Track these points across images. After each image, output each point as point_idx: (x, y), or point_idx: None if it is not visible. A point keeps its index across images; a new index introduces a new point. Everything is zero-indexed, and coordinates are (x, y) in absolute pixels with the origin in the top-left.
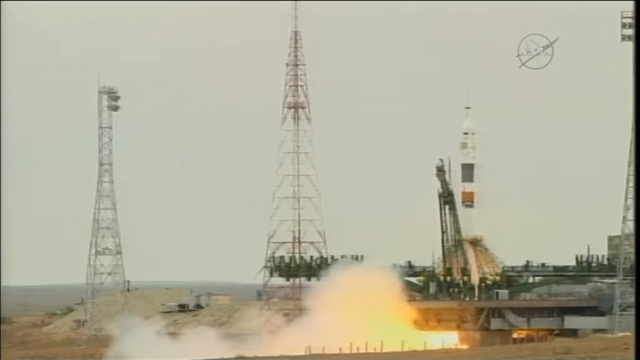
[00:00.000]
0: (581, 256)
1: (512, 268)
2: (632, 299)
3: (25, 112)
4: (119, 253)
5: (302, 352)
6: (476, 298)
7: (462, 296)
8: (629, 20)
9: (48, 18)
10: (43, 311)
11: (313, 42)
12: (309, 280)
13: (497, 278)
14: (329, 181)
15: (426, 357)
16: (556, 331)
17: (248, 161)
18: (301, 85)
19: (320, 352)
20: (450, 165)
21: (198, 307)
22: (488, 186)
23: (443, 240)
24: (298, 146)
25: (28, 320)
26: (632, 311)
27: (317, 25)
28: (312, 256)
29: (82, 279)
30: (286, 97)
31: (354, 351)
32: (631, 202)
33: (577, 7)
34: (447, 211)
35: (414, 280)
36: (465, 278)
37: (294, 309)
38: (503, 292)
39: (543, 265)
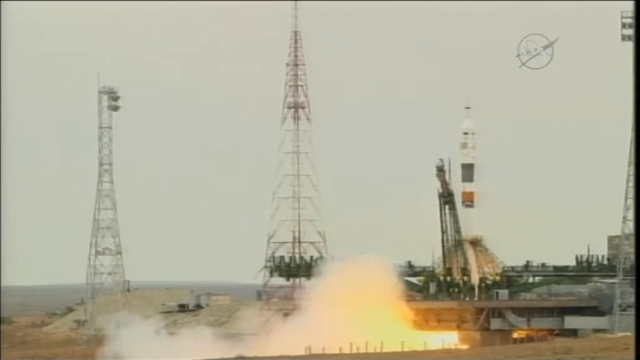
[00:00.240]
0: (581, 256)
1: (512, 268)
2: (632, 299)
3: (25, 112)
4: (119, 253)
5: (302, 352)
6: (476, 298)
7: (462, 296)
8: (629, 20)
9: (48, 18)
10: (43, 311)
11: (313, 42)
12: (309, 280)
13: (497, 278)
14: (329, 181)
15: (426, 357)
16: (556, 331)
17: (248, 161)
18: (301, 85)
19: (320, 352)
20: (450, 165)
21: (198, 307)
22: (488, 186)
23: (443, 240)
24: (298, 146)
25: (28, 320)
26: (632, 311)
27: (317, 25)
28: (312, 256)
29: (82, 279)
30: (286, 97)
31: (354, 351)
32: (631, 202)
33: (577, 7)
34: (447, 211)
35: (414, 280)
36: (465, 278)
37: (293, 309)
38: (503, 292)
39: (543, 265)
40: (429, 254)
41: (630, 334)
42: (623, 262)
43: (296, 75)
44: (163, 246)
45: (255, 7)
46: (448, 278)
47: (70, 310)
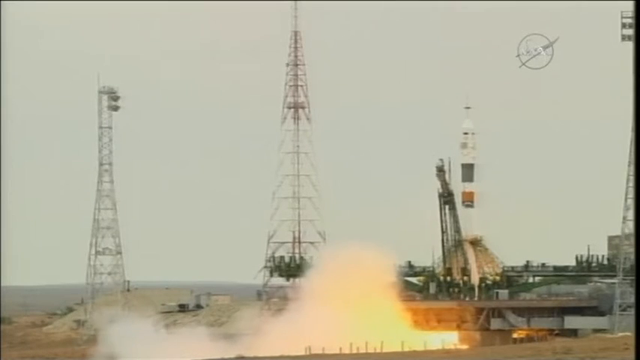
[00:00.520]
0: (581, 256)
1: (512, 268)
2: (632, 299)
3: (25, 112)
4: (119, 253)
5: (302, 352)
6: (476, 298)
7: (462, 296)
8: (629, 20)
9: (48, 18)
10: (43, 311)
11: (313, 42)
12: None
13: (497, 278)
14: (329, 181)
15: (426, 357)
16: (556, 331)
17: (248, 161)
18: (301, 85)
19: (320, 352)
20: (450, 165)
21: (198, 307)
22: (488, 186)
23: (443, 240)
24: (298, 146)
25: (28, 320)
26: (632, 311)
27: (317, 25)
28: (312, 256)
29: (82, 279)
30: (286, 97)
31: (354, 351)
32: (631, 202)
33: (577, 7)
34: (447, 211)
35: (414, 280)
36: (465, 278)
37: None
38: (503, 292)
39: (543, 265)
40: (429, 254)
41: (630, 334)
42: (623, 262)
43: (296, 75)
44: (163, 246)
45: (255, 7)
46: (448, 278)
47: (70, 310)
